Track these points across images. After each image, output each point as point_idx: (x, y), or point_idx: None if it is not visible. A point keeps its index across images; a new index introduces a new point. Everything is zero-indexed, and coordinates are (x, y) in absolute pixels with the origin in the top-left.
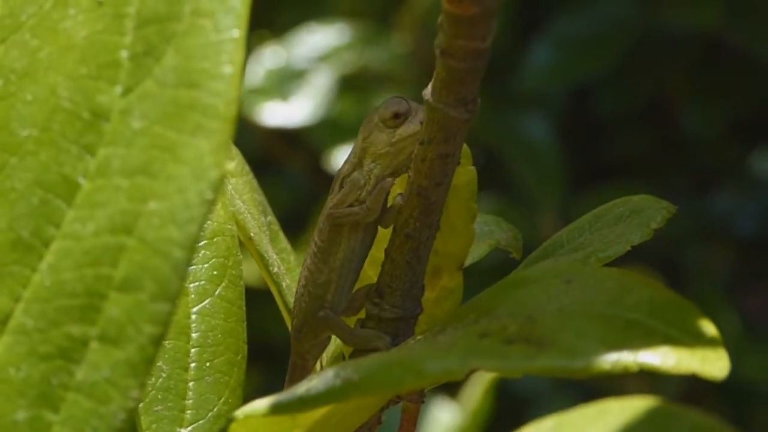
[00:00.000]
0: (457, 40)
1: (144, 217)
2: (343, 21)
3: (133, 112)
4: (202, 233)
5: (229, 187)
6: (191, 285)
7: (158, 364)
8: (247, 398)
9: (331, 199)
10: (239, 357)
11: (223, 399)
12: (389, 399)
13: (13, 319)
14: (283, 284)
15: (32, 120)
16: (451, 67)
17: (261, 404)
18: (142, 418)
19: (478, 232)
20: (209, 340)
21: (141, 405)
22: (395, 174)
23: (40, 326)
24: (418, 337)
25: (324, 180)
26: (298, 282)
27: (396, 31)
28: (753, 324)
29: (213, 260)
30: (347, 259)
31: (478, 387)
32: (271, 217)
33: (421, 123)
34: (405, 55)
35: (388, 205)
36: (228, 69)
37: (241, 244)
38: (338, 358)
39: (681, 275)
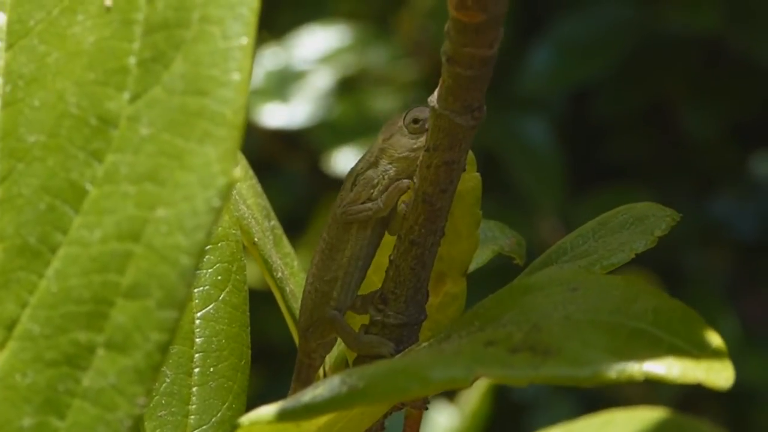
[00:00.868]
0: (464, 48)
1: (151, 223)
2: (343, 23)
3: (141, 119)
4: None
5: (234, 192)
6: (195, 290)
7: (162, 369)
8: (249, 402)
9: (342, 197)
10: (243, 362)
11: (226, 404)
12: (393, 405)
13: (20, 325)
14: (287, 289)
15: (40, 126)
16: (458, 74)
17: (266, 411)
18: (146, 423)
19: (482, 237)
20: (213, 346)
21: (145, 410)
22: (409, 178)
23: (47, 332)
24: (423, 343)
25: (324, 181)
26: (306, 280)
27: (396, 33)
28: (752, 327)
29: (217, 265)
30: (354, 256)
31: (476, 391)
32: (274, 222)
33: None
34: (404, 57)
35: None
36: (236, 76)
37: (244, 248)
38: (341, 364)
39: (680, 278)
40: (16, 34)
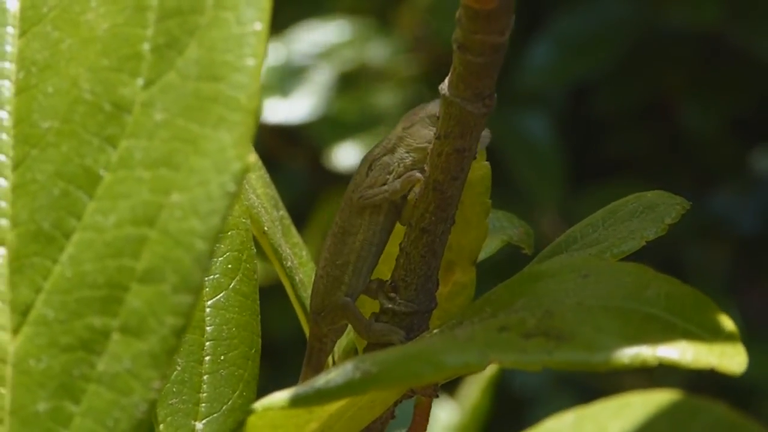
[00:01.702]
0: (475, 35)
1: (166, 209)
2: (343, 18)
3: (156, 105)
4: None
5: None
6: (206, 279)
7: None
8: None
9: (356, 182)
10: (253, 351)
11: (237, 392)
12: (403, 393)
13: (34, 310)
14: (297, 278)
15: (54, 112)
16: (469, 61)
17: (280, 396)
18: (158, 410)
19: (490, 227)
20: (224, 334)
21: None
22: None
23: (61, 317)
24: (434, 330)
25: (324, 177)
26: (318, 264)
27: (396, 28)
28: (753, 322)
29: (227, 254)
30: (367, 241)
31: (476, 384)
32: (283, 212)
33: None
34: (405, 52)
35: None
36: (251, 61)
37: (254, 238)
38: (351, 352)
39: (681, 273)
40: (29, 21)
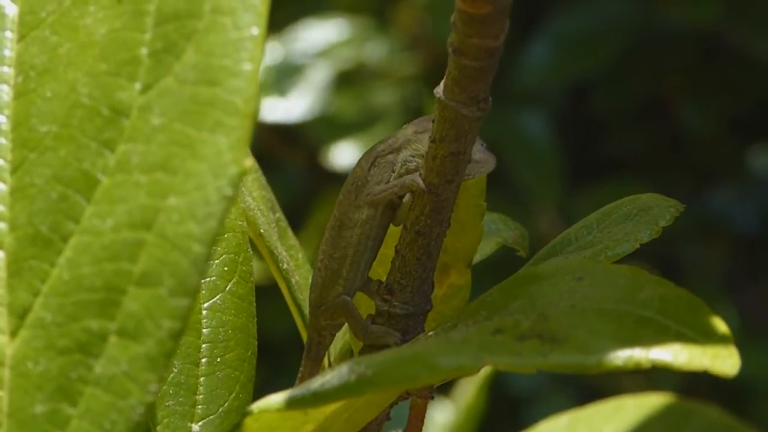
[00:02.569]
0: (470, 39)
1: (163, 212)
2: (341, 17)
3: (153, 109)
4: None
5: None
6: (202, 281)
7: None
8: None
9: (356, 174)
10: (249, 353)
11: (233, 394)
12: (399, 395)
13: (32, 313)
14: (293, 280)
15: (52, 116)
16: (464, 65)
17: (276, 399)
18: (155, 412)
19: (486, 230)
20: (220, 336)
21: None
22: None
23: (59, 320)
24: (429, 333)
25: (322, 176)
26: (317, 257)
27: (394, 27)
28: (750, 321)
29: (223, 256)
30: (364, 235)
31: (471, 385)
32: (279, 215)
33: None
34: (403, 51)
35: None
36: (248, 66)
37: (250, 240)
38: (346, 355)
39: (679, 272)
40: (27, 26)
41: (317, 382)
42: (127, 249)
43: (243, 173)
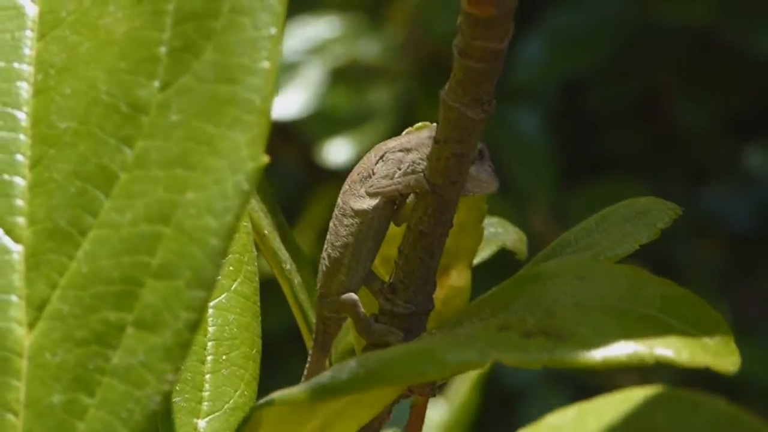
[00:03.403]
0: (475, 41)
1: (181, 207)
2: (335, 14)
3: (171, 106)
4: None
5: None
6: None
7: None
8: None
9: (364, 166)
10: (254, 351)
11: (239, 392)
12: (401, 393)
13: (50, 306)
14: (295, 281)
15: (71, 113)
16: (469, 67)
17: (282, 394)
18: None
19: (486, 233)
20: (225, 334)
21: None
22: None
23: (76, 312)
24: (433, 331)
25: (316, 173)
26: (324, 247)
27: (387, 23)
28: (744, 318)
29: (229, 256)
30: (365, 224)
31: (465, 383)
32: (281, 219)
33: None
34: (396, 47)
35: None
36: (265, 65)
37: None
38: (348, 354)
39: (673, 270)
40: (48, 25)
41: (326, 376)
42: (145, 242)
43: (260, 168)
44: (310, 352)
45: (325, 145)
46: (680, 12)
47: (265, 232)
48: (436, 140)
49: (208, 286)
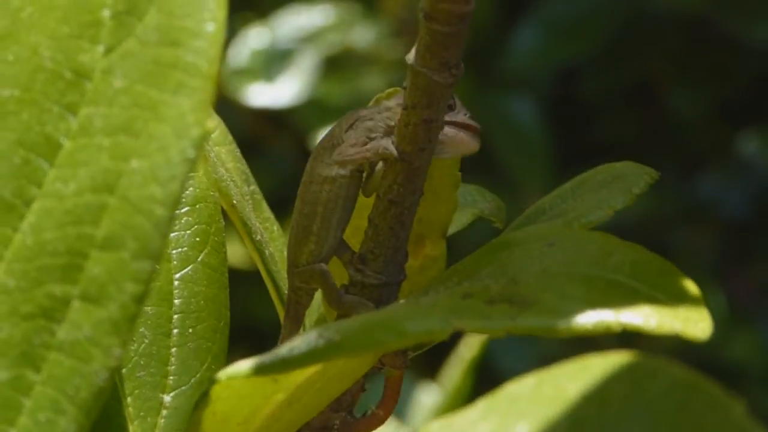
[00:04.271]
0: (441, 4)
1: (126, 175)
2: (328, 1)
3: (115, 72)
4: (183, 199)
5: (212, 154)
6: (173, 251)
7: (141, 330)
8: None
9: (334, 133)
10: (222, 323)
11: (206, 365)
12: (372, 365)
13: None
14: (266, 252)
15: (14, 80)
16: (435, 31)
17: (243, 365)
18: (125, 383)
19: (462, 201)
20: (192, 307)
21: (124, 371)
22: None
23: (22, 286)
24: (401, 301)
25: None
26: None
27: (380, 11)
28: (739, 306)
29: (195, 227)
30: (333, 193)
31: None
32: (254, 187)
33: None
34: (390, 35)
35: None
36: (210, 27)
37: (224, 214)
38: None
39: (667, 257)
40: None
41: (285, 348)
42: (90, 213)
43: (206, 135)
44: (282, 324)
45: (318, 134)
46: (674, 0)
47: (234, 202)
48: (404, 106)
49: (155, 257)
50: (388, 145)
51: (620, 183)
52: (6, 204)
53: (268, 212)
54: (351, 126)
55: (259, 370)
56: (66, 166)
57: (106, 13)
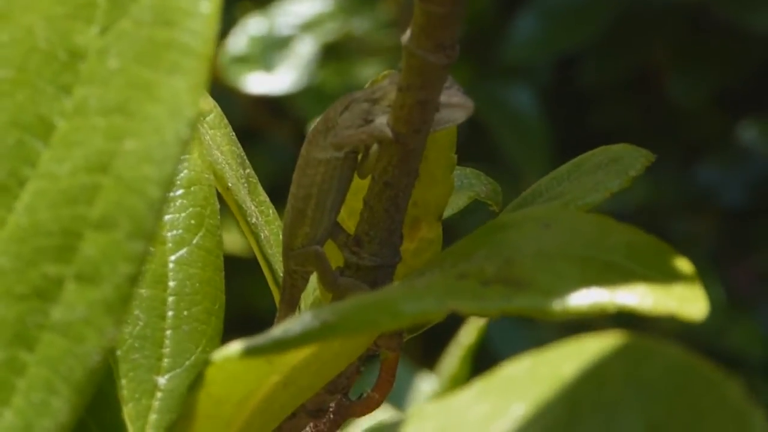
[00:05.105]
0: None
1: (120, 156)
2: None
3: (110, 52)
4: (178, 182)
5: (207, 137)
6: (168, 234)
7: (135, 312)
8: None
9: (328, 116)
10: (217, 306)
11: (200, 348)
12: (367, 348)
13: None
14: (262, 235)
15: (8, 61)
16: (430, 11)
17: (236, 347)
18: (120, 366)
19: (458, 184)
20: (186, 289)
21: (118, 353)
22: None
23: (17, 266)
24: (396, 283)
25: None
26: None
27: None
28: (738, 295)
29: (190, 209)
30: (327, 175)
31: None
32: (249, 170)
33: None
34: (389, 23)
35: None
36: (205, 7)
37: (220, 197)
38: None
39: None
40: None
41: (279, 330)
42: (84, 193)
43: (200, 115)
44: (278, 307)
45: (316, 121)
46: None
47: (229, 184)
48: (399, 88)
49: (148, 237)
50: (383, 127)
51: (617, 165)
52: (0, 185)
53: (263, 195)
54: (346, 108)
55: (254, 351)
56: (60, 146)
57: None
